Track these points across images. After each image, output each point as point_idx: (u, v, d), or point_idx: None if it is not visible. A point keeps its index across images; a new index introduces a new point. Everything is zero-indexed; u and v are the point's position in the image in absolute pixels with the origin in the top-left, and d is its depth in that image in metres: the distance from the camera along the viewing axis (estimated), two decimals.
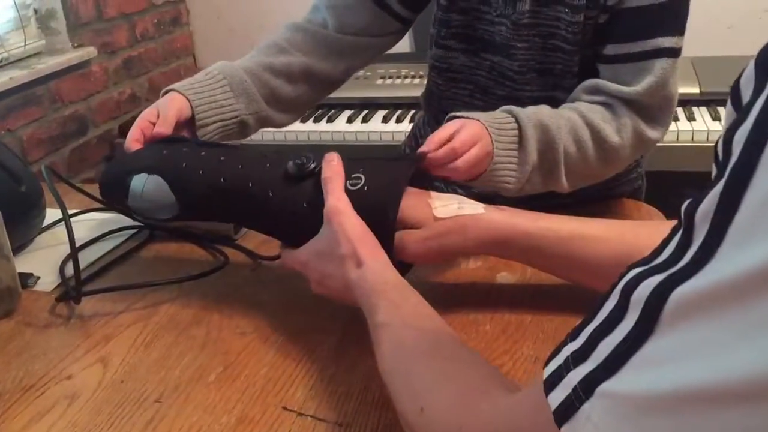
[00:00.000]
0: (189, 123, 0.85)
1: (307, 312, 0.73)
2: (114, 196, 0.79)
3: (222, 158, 0.73)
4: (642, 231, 0.67)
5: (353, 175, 0.66)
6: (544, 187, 0.78)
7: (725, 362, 0.26)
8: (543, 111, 0.77)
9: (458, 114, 0.74)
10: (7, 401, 0.63)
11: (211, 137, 0.86)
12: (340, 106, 1.98)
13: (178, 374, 0.65)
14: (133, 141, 0.80)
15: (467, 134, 0.70)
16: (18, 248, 0.89)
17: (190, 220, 0.84)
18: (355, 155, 1.78)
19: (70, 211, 0.99)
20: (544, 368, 0.36)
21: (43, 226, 0.95)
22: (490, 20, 0.85)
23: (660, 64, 0.77)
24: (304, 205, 0.67)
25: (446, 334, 0.54)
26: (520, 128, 0.74)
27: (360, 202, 0.64)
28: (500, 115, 0.75)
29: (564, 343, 0.35)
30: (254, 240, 0.89)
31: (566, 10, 0.79)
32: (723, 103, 1.74)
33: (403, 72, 2.06)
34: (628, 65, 0.79)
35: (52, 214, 0.94)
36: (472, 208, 0.67)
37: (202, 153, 0.74)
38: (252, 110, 0.89)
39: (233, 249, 0.87)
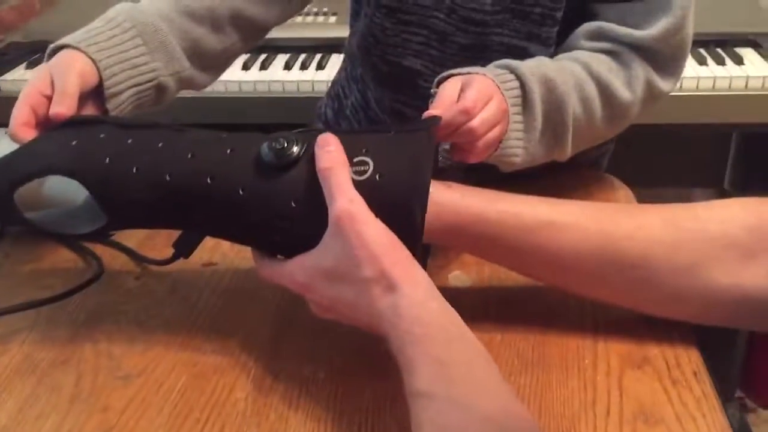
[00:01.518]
0: (95, 92, 0.63)
1: (215, 337, 0.56)
2: (6, 211, 0.57)
3: (160, 145, 0.53)
4: (622, 219, 0.55)
5: (355, 159, 0.49)
6: (546, 157, 0.65)
7: None
8: (546, 64, 0.63)
9: (452, 72, 0.60)
10: None
11: (123, 109, 0.65)
12: None
13: None
14: (20, 126, 0.58)
15: (477, 90, 0.56)
16: None
17: (122, 229, 0.66)
18: (255, 110, 1.49)
19: None
20: None
21: None
22: None
23: (679, 2, 0.65)
24: (293, 204, 0.49)
25: (514, 427, 0.40)
26: (522, 86, 0.61)
27: (372, 196, 0.47)
28: (498, 71, 0.61)
29: None
30: (136, 235, 0.70)
31: None
32: (704, 45, 1.57)
33: (306, 8, 1.83)
34: (638, 4, 0.66)
35: None
36: None
37: (129, 140, 0.54)
38: (173, 69, 0.68)
39: (110, 248, 0.68)
